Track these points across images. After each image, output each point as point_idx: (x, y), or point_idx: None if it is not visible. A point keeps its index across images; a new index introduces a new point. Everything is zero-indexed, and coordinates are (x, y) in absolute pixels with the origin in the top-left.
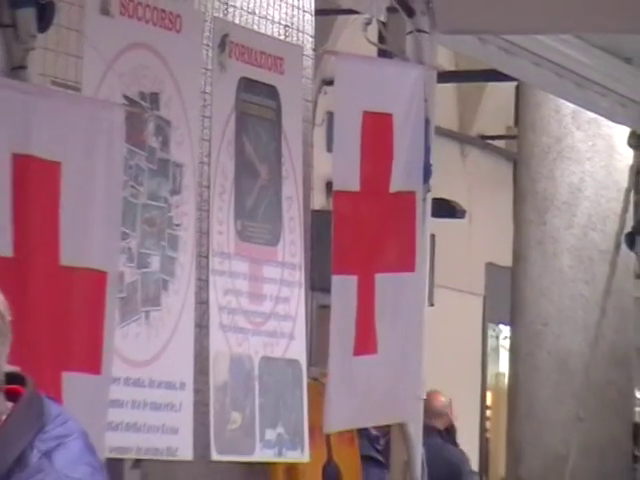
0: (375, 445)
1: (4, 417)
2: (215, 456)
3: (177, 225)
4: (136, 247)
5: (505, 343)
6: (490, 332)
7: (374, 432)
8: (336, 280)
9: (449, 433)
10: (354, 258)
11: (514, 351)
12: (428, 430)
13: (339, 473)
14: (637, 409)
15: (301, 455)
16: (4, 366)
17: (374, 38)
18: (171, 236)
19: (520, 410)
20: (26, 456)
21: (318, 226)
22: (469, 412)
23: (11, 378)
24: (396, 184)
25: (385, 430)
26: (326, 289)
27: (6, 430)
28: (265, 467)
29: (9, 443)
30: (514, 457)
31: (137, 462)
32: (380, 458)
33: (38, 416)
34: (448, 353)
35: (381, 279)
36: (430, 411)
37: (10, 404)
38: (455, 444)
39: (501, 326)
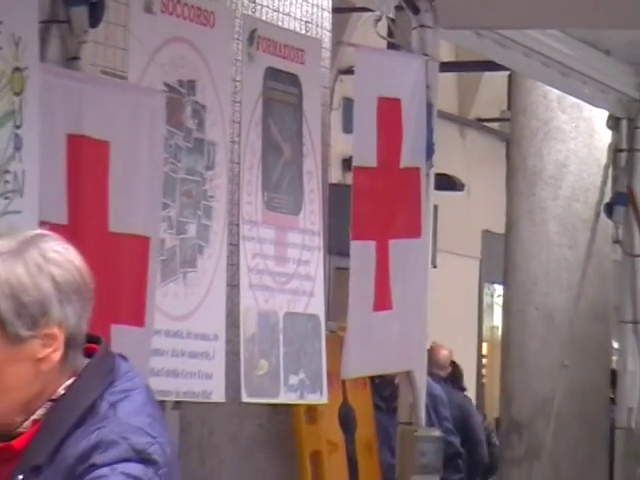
0: (381, 393)
1: (80, 371)
2: (245, 398)
3: (211, 197)
4: (175, 216)
5: (499, 300)
6: (486, 291)
7: (377, 381)
8: (355, 245)
9: (455, 380)
10: (372, 226)
11: (507, 308)
12: (433, 378)
13: (353, 413)
14: (614, 358)
15: (320, 398)
16: (86, 328)
17: (384, 33)
18: (206, 206)
19: (512, 359)
20: (97, 406)
21: (334, 198)
22: (467, 361)
23: (88, 338)
24: (404, 161)
25: (389, 379)
26: (341, 253)
27: (79, 383)
28: (288, 408)
29: (80, 394)
30: (507, 400)
31: (176, 404)
32: (382, 405)
33: (109, 371)
34: (449, 309)
35: (394, 244)
36: (434, 362)
37: (87, 360)
38: (462, 389)
39: (495, 285)
